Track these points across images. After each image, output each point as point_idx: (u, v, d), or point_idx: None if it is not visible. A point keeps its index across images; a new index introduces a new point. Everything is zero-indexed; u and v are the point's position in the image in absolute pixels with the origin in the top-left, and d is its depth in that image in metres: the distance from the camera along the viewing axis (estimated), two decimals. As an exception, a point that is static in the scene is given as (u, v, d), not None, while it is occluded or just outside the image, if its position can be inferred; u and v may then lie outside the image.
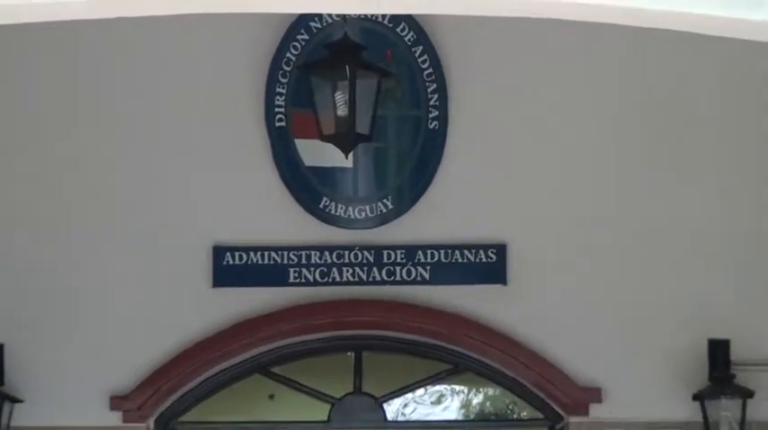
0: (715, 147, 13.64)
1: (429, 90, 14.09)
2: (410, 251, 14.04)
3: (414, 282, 14.01)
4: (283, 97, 14.12)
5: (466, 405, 15.58)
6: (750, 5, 6.87)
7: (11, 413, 13.82)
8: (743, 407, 13.50)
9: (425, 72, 14.09)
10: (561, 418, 14.17)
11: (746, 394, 13.44)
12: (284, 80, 14.11)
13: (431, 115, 14.06)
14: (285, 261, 14.10)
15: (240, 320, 14.08)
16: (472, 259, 14.06)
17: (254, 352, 14.34)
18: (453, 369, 14.81)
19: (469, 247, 14.01)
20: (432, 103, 14.07)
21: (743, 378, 13.56)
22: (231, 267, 14.05)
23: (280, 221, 14.14)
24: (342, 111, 12.95)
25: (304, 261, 14.13)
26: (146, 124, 13.94)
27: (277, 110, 14.09)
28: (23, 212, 13.97)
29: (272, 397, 14.85)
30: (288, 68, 14.08)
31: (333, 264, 14.09)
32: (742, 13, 7.01)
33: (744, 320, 13.61)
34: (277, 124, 14.09)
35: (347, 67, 12.99)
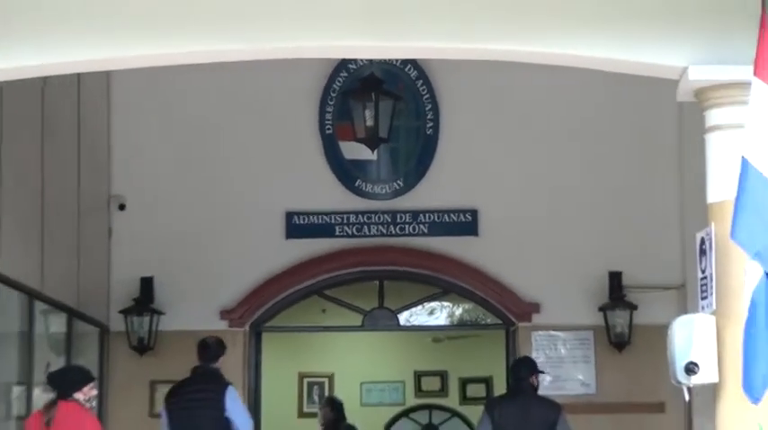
0: (613, 141, 14.02)
1: (426, 109, 14.90)
2: (414, 214, 14.92)
3: (416, 235, 14.95)
4: (331, 114, 14.90)
5: (451, 315, 16.55)
6: (641, 51, 8.25)
7: (158, 322, 14.49)
8: (630, 316, 14.24)
9: (424, 97, 14.85)
10: (513, 323, 14.98)
11: (632, 307, 14.31)
12: (331, 103, 14.91)
13: (428, 125, 14.93)
14: (332, 221, 14.91)
15: (303, 260, 14.90)
16: (455, 220, 14.92)
17: (313, 280, 15.11)
18: (442, 292, 15.65)
19: (453, 212, 14.89)
20: (428, 117, 14.89)
21: (631, 297, 14.37)
22: (297, 225, 14.86)
23: (328, 195, 14.97)
24: (369, 122, 14.25)
25: (344, 221, 14.96)
26: (246, 134, 14.56)
27: (327, 122, 14.93)
28: (170, 188, 14.51)
29: (324, 310, 15.80)
30: (334, 94, 14.88)
31: (363, 223, 14.95)
32: (633, 56, 8.37)
33: (632, 259, 14.35)
34: (327, 131, 14.86)
35: (373, 94, 14.27)
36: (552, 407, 12.87)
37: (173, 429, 12.49)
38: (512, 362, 14.32)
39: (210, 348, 12.66)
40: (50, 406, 10.51)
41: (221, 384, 12.53)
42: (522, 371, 13.09)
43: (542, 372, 13.16)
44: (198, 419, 12.47)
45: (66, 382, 10.73)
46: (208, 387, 12.58)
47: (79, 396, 10.61)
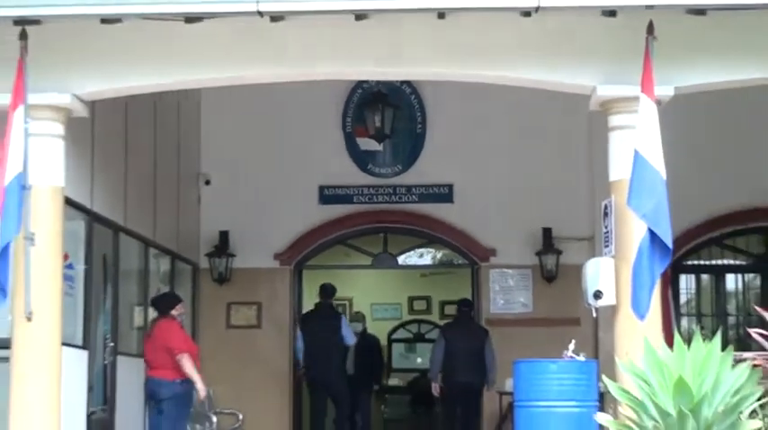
0: (547, 137, 13.85)
1: (417, 115, 14.64)
2: (408, 188, 14.69)
3: (410, 202, 14.70)
4: (350, 118, 14.70)
5: (434, 257, 16.62)
6: (565, 75, 8.44)
7: (231, 262, 14.35)
8: (557, 259, 14.11)
9: (415, 107, 14.62)
10: (477, 263, 14.71)
11: (558, 253, 14.12)
12: (351, 110, 14.70)
13: (417, 126, 14.66)
14: (351, 192, 14.71)
15: (331, 219, 14.71)
16: (437, 191, 14.65)
17: (338, 233, 14.96)
18: (428, 241, 15.72)
19: (435, 186, 14.64)
20: (418, 121, 14.63)
21: (557, 245, 14.15)
22: (327, 195, 14.62)
23: (348, 174, 14.73)
24: (377, 124, 14.30)
25: (359, 193, 14.74)
26: (292, 132, 14.28)
27: (347, 124, 14.72)
28: (240, 169, 14.43)
29: (347, 254, 15.62)
30: (352, 105, 14.68)
31: (372, 194, 14.72)
32: (560, 78, 8.54)
33: (558, 219, 14.11)
34: (347, 130, 14.68)
35: (380, 104, 14.26)
36: (484, 331, 13.67)
37: (306, 345, 13.54)
38: (459, 299, 14.43)
39: (329, 290, 13.98)
40: (154, 322, 10.86)
41: (337, 314, 14.13)
42: (466, 305, 14.04)
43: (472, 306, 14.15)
44: (325, 340, 13.43)
45: (163, 303, 10.98)
46: (329, 316, 13.86)
47: (174, 312, 10.84)
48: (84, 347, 10.03)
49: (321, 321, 13.83)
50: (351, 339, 13.79)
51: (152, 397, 10.52)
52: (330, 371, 13.46)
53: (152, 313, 11.76)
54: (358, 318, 15.71)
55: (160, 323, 10.70)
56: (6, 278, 7.68)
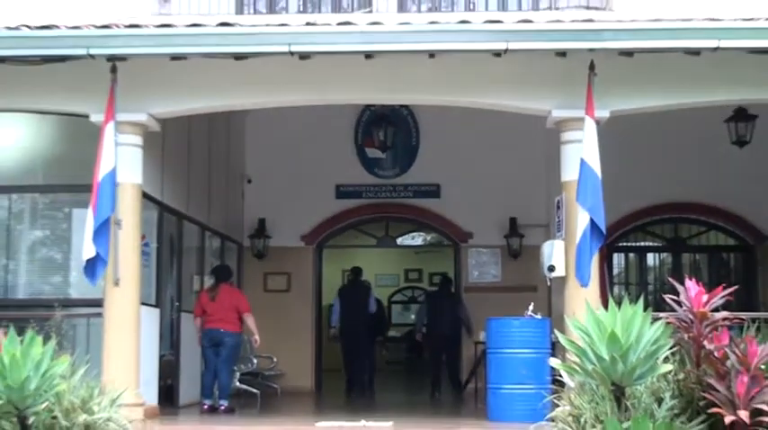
0: (515, 148, 13.51)
1: (412, 131, 14.39)
2: (405, 186, 14.45)
3: (406, 197, 14.45)
4: (361, 133, 14.45)
5: (425, 239, 16.67)
6: (529, 101, 8.54)
7: (267, 242, 14.20)
8: (520, 241, 13.91)
9: (410, 124, 14.35)
10: (458, 244, 14.47)
11: (521, 236, 13.91)
12: (361, 127, 14.45)
13: (412, 140, 14.40)
14: (360, 189, 14.47)
15: (345, 209, 14.50)
16: (427, 190, 14.40)
17: (350, 220, 14.70)
18: (419, 227, 15.56)
19: (426, 185, 14.37)
20: (413, 135, 14.38)
21: (521, 230, 13.92)
22: (342, 191, 14.42)
23: (359, 176, 14.42)
24: (382, 138, 14.08)
25: (367, 190, 14.49)
26: (317, 142, 14.07)
27: (358, 137, 14.46)
28: (274, 171, 14.08)
29: (357, 237, 15.33)
30: (362, 122, 14.42)
31: (377, 191, 14.49)
32: (525, 104, 8.67)
33: (522, 211, 13.81)
34: (359, 143, 14.44)
35: (384, 123, 14.06)
36: (458, 297, 13.75)
37: (342, 309, 13.48)
38: (441, 274, 14.60)
39: (359, 270, 14.08)
40: (213, 287, 10.63)
41: (367, 289, 14.19)
42: (446, 279, 13.91)
43: (451, 281, 13.98)
44: (356, 306, 13.46)
45: (224, 273, 10.91)
46: (361, 289, 13.95)
47: (231, 280, 10.88)
48: (156, 306, 10.08)
49: (356, 292, 13.84)
50: (372, 308, 13.79)
51: (215, 343, 10.33)
52: (359, 327, 13.43)
53: (207, 280, 11.72)
54: (368, 283, 15.65)
55: (224, 288, 10.57)
56: (107, 251, 7.86)
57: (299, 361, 13.84)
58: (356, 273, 14.25)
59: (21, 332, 6.94)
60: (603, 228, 7.81)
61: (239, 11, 13.03)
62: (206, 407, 10.24)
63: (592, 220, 7.78)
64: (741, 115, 11.71)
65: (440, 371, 13.36)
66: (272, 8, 13.16)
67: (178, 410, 10.06)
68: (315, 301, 14.59)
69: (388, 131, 14.23)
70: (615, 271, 14.66)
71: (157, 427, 7.97)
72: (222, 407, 10.16)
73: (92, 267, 7.82)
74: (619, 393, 6.74)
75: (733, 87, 8.43)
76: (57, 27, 8.01)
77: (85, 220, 7.90)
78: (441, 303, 13.48)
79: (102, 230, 7.80)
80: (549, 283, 9.07)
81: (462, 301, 13.49)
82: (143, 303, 8.87)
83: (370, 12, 12.34)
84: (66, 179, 9.22)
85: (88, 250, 7.73)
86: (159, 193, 10.04)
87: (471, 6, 13.04)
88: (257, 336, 10.63)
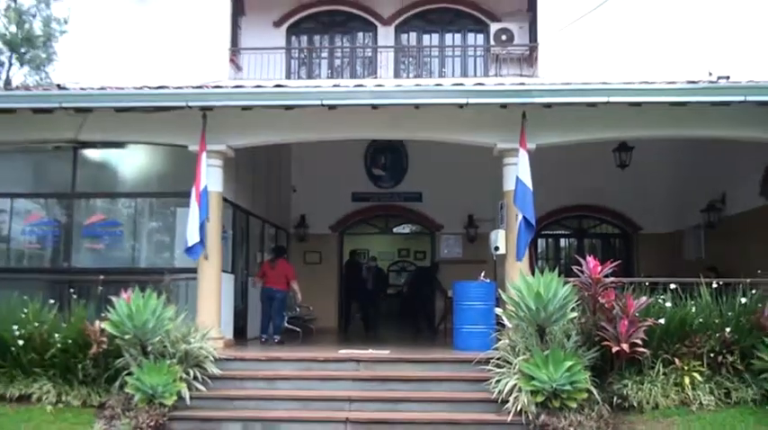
0: (476, 169, 12.27)
1: (404, 157, 13.84)
2: (398, 194, 14.02)
3: (399, 201, 14.05)
4: (369, 158, 13.94)
5: (411, 229, 15.57)
6: (484, 138, 8.39)
7: (307, 230, 13.80)
8: (476, 230, 13.48)
9: (403, 153, 13.82)
10: (434, 232, 14.08)
11: (477, 227, 13.50)
12: (369, 154, 13.92)
13: (404, 163, 13.89)
14: (369, 196, 14.02)
15: (358, 209, 14.08)
16: (413, 197, 13.97)
17: (362, 217, 14.25)
18: (407, 220, 14.84)
19: (412, 193, 13.97)
20: (404, 160, 13.86)
21: (476, 223, 13.52)
22: (357, 197, 13.99)
23: (368, 187, 13.95)
24: (383, 161, 13.91)
25: (373, 196, 14.05)
26: (335, 164, 13.41)
27: (367, 161, 13.95)
28: (311, 184, 13.63)
29: (366, 227, 14.66)
30: (370, 151, 13.88)
31: (380, 196, 14.04)
32: (482, 140, 8.47)
33: (478, 209, 13.24)
34: (367, 164, 13.93)
35: (385, 151, 13.80)
36: (434, 270, 13.29)
37: (345, 279, 13.53)
38: (423, 252, 14.77)
39: (355, 253, 14.10)
40: (273, 259, 10.46)
41: (359, 263, 13.87)
42: (432, 264, 13.61)
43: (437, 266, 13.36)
44: (355, 276, 13.55)
45: (280, 250, 10.79)
46: (356, 265, 13.77)
47: (285, 256, 10.76)
48: (232, 272, 9.93)
49: (353, 266, 13.90)
50: (364, 274, 13.86)
51: (269, 297, 10.21)
52: (357, 287, 13.58)
53: (267, 255, 11.53)
54: (374, 258, 15.31)
55: (280, 261, 10.47)
56: (204, 241, 7.96)
57: (328, 310, 13.56)
58: (351, 255, 14.24)
59: (142, 289, 7.15)
60: (534, 222, 7.80)
61: (288, 76, 13.10)
62: (263, 340, 10.18)
63: (525, 218, 7.80)
64: (623, 147, 11.68)
65: (421, 317, 13.35)
66: (309, 75, 13.22)
67: (246, 342, 9.95)
68: (338, 270, 14.23)
69: (387, 158, 14.05)
70: (539, 250, 14.44)
71: (232, 352, 7.96)
72: (276, 340, 10.11)
73: (193, 248, 7.84)
74: (541, 331, 6.90)
75: (617, 128, 8.38)
76: (166, 87, 8.10)
77: (187, 215, 7.91)
78: (422, 273, 13.56)
79: (201, 225, 7.89)
80: (494, 258, 9.01)
81: (436, 276, 13.24)
82: (223, 271, 8.80)
83: (376, 77, 12.42)
84: (171, 188, 9.14)
85: (193, 237, 7.76)
86: (233, 198, 9.88)
87: (443, 74, 13.12)
88: (299, 295, 10.59)
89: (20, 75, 19.18)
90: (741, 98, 7.40)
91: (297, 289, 10.46)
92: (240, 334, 10.03)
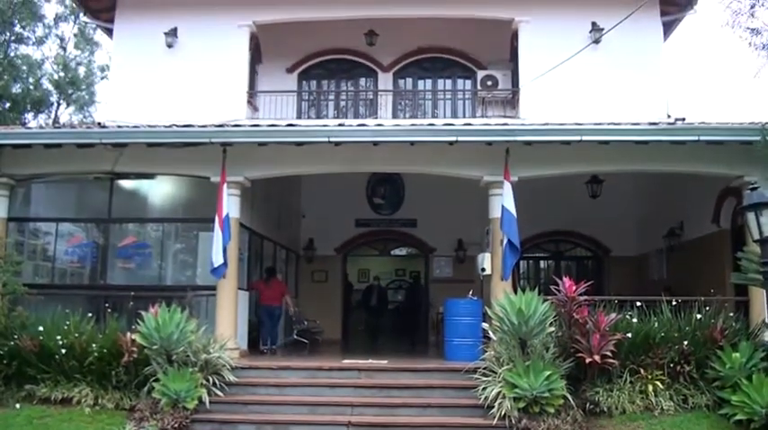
0: (466, 197, 11.65)
1: (400, 187, 13.77)
2: (396, 220, 13.89)
3: (396, 227, 13.90)
4: (370, 188, 13.84)
5: (407, 251, 15.11)
6: (471, 171, 8.36)
7: (314, 252, 13.69)
8: (464, 253, 13.31)
9: (400, 184, 13.75)
10: (427, 254, 13.88)
11: (465, 250, 13.30)
12: (371, 184, 13.82)
13: (401, 193, 13.81)
14: (370, 222, 13.90)
15: (361, 233, 13.96)
16: (408, 222, 13.85)
17: (364, 240, 14.06)
18: (403, 244, 14.55)
19: (407, 219, 13.86)
20: (402, 190, 13.77)
21: (465, 246, 13.32)
22: (360, 222, 13.87)
23: (369, 214, 13.84)
24: (382, 191, 13.83)
25: (373, 222, 13.92)
26: (341, 195, 13.34)
27: (369, 190, 13.84)
28: (319, 211, 13.47)
29: (367, 250, 14.43)
30: (371, 182, 13.79)
31: (379, 222, 13.92)
32: (467, 172, 8.48)
33: (467, 234, 13.07)
34: (368, 193, 13.82)
35: (384, 183, 13.72)
36: (424, 289, 13.46)
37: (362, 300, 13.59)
38: (417, 271, 14.23)
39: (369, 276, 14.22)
40: (268, 278, 10.27)
41: (371, 286, 13.83)
42: (418, 278, 13.65)
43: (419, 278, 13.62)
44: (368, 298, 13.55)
45: (272, 270, 10.58)
46: (371, 289, 13.80)
47: (278, 276, 10.67)
48: (247, 290, 9.84)
49: (368, 290, 13.96)
50: (373, 300, 13.94)
51: (271, 314, 10.09)
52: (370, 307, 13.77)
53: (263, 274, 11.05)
54: (377, 277, 15.13)
55: (274, 280, 10.39)
56: (226, 260, 7.95)
57: (333, 323, 13.41)
58: (375, 279, 14.42)
59: (168, 305, 7.18)
60: (519, 245, 7.81)
61: (299, 116, 13.19)
62: (265, 350, 10.05)
63: (510, 241, 7.81)
64: (594, 179, 11.78)
65: (414, 331, 13.33)
66: (318, 115, 13.33)
67: (259, 352, 9.85)
68: (342, 288, 14.13)
69: (386, 188, 13.98)
70: (522, 271, 14.36)
71: (247, 361, 7.91)
72: (274, 348, 10.03)
73: (218, 269, 7.92)
74: (523, 344, 6.89)
75: (590, 163, 8.45)
76: (192, 126, 8.19)
77: (208, 239, 8.00)
78: (414, 291, 13.60)
79: (224, 248, 7.94)
80: (481, 278, 8.99)
81: (424, 292, 13.27)
82: (239, 288, 8.77)
83: (376, 118, 12.51)
84: (194, 214, 9.09)
85: (218, 259, 7.83)
86: (249, 223, 9.82)
87: (435, 115, 13.22)
88: (292, 308, 10.48)
89: (66, 114, 19.91)
90: (695, 138, 7.55)
91: (290, 301, 10.37)
92: (253, 345, 9.93)
